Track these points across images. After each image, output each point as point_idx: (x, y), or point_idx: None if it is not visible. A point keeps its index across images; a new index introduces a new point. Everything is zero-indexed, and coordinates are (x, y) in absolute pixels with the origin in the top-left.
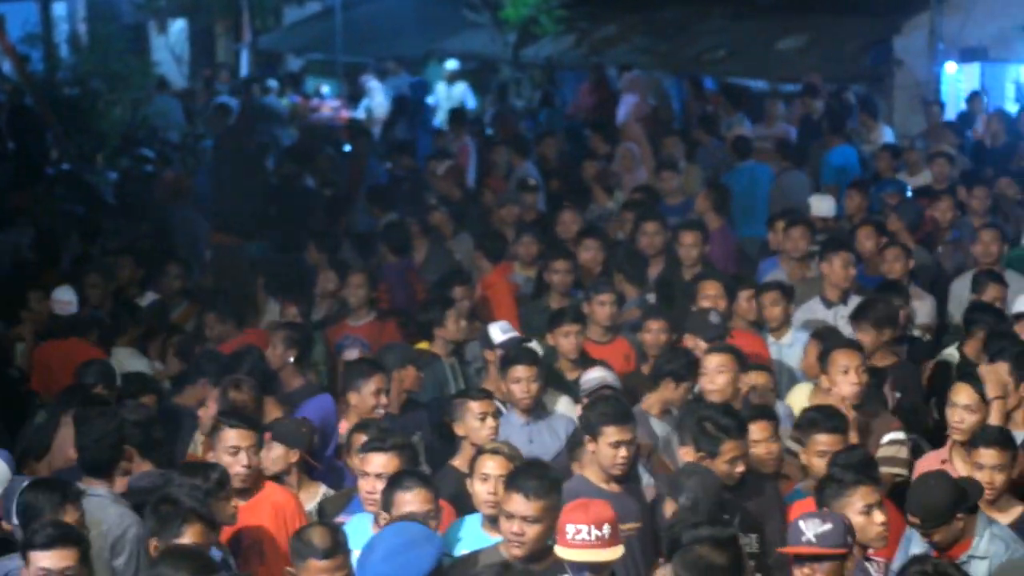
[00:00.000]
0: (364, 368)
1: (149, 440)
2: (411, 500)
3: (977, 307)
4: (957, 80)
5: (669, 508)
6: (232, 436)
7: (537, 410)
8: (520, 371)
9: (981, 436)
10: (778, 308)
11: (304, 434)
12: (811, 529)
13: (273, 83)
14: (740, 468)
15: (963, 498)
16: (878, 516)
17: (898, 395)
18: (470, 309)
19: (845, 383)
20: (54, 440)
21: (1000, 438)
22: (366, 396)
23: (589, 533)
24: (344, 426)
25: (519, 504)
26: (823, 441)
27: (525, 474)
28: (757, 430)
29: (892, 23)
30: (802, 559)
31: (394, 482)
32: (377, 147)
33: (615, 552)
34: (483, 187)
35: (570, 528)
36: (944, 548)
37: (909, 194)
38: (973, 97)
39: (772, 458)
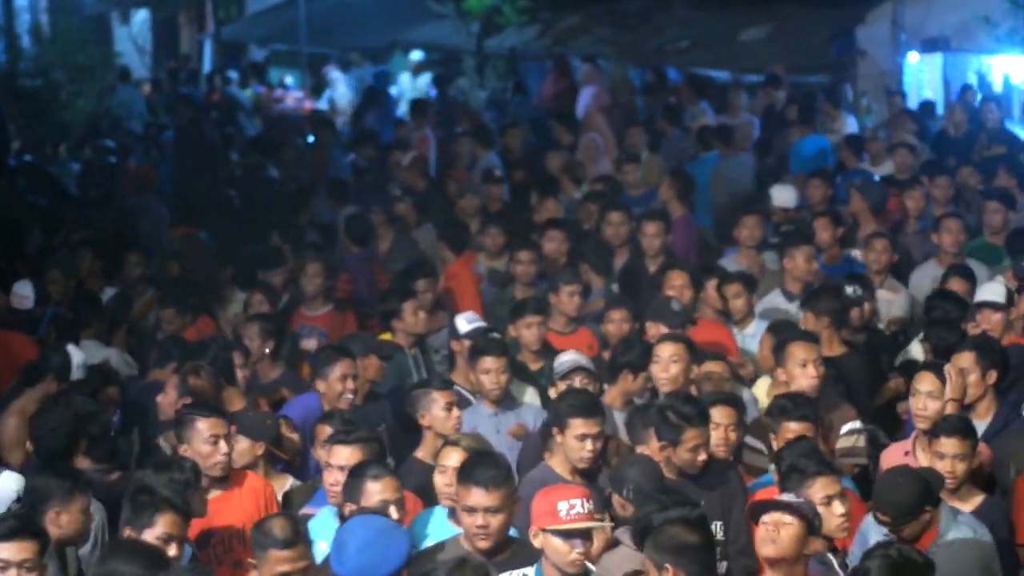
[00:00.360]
0: (331, 354)
1: (91, 435)
2: (380, 490)
3: (939, 295)
4: (919, 70)
5: (616, 502)
6: (208, 425)
7: (506, 401)
8: (489, 362)
9: (942, 426)
10: (741, 299)
11: (269, 427)
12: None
13: (233, 74)
14: (702, 456)
15: (929, 492)
16: (838, 507)
17: (841, 387)
18: (434, 300)
19: (803, 376)
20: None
21: (960, 427)
22: (333, 382)
23: (583, 506)
24: None
25: (480, 497)
26: (793, 429)
27: (480, 466)
28: (719, 415)
29: (855, 13)
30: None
31: (360, 472)
32: (341, 138)
33: (607, 522)
34: (447, 178)
35: (563, 505)
36: (912, 541)
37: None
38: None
39: (733, 444)
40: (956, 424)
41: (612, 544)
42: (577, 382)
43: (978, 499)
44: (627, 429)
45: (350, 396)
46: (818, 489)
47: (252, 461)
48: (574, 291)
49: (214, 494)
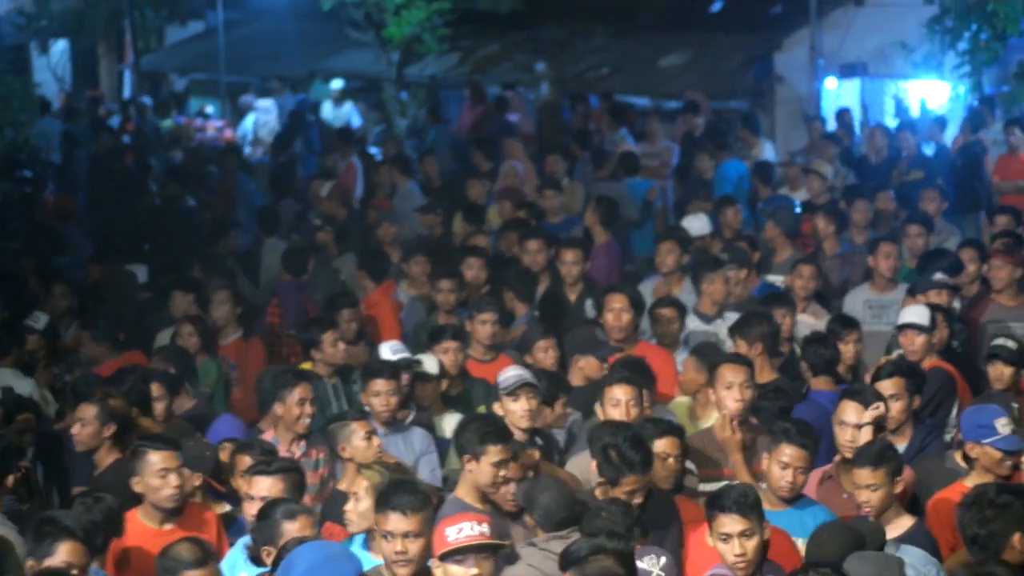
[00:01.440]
0: (288, 378)
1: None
2: (298, 528)
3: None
4: (837, 95)
5: (529, 521)
6: (160, 458)
7: (395, 423)
8: (379, 384)
9: (855, 457)
10: (675, 324)
11: (208, 458)
12: None
13: (148, 101)
14: (638, 500)
15: (860, 544)
16: (736, 546)
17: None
18: (356, 330)
19: (729, 398)
20: None
21: (873, 458)
22: (291, 406)
23: (472, 528)
24: (269, 435)
25: (398, 522)
26: (788, 453)
27: (397, 491)
28: (664, 446)
29: (773, 39)
30: None
31: (271, 513)
32: (252, 166)
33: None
34: (367, 206)
35: (450, 530)
36: None
37: (797, 209)
38: (842, 113)
39: (677, 474)
40: (867, 455)
41: (512, 560)
42: (524, 399)
43: (907, 523)
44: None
45: (307, 420)
46: (720, 524)
47: (190, 491)
48: (487, 319)
49: (168, 527)
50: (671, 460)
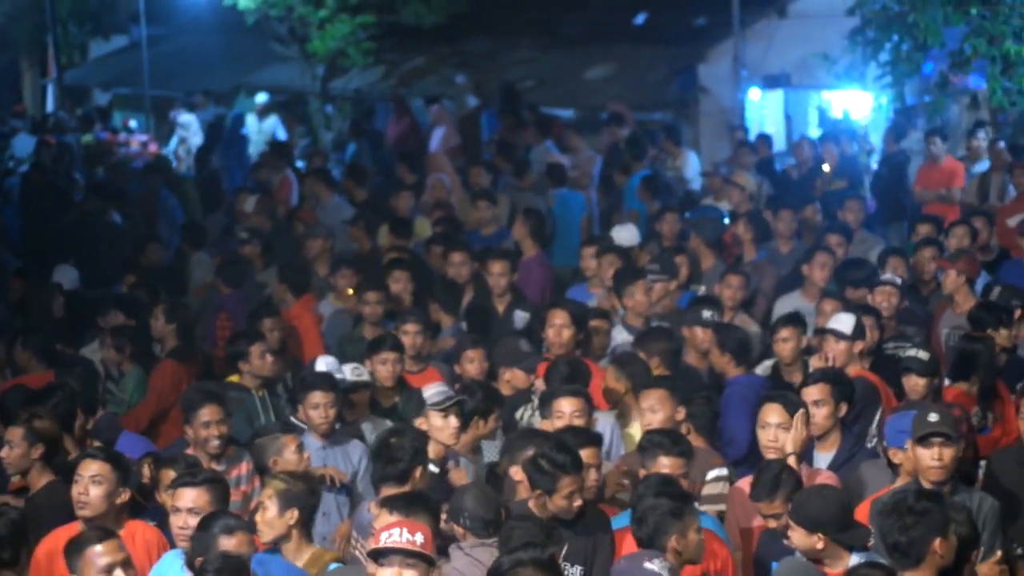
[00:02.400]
0: (197, 398)
1: None
2: (236, 544)
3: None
4: (761, 107)
5: (456, 531)
6: (94, 466)
7: (334, 435)
8: (318, 396)
9: (752, 491)
10: (605, 336)
11: (135, 474)
12: None
13: (63, 115)
14: (577, 502)
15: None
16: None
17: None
18: (280, 341)
19: (654, 420)
20: None
21: (767, 490)
22: (198, 428)
23: (401, 535)
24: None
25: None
26: (666, 464)
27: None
28: (584, 455)
29: (697, 51)
30: None
31: (210, 526)
32: (177, 180)
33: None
34: (294, 219)
35: (384, 533)
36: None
37: (726, 220)
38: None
39: (598, 484)
40: (763, 486)
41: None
42: (452, 415)
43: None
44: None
45: (216, 441)
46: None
47: (120, 507)
48: (410, 330)
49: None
50: (591, 471)
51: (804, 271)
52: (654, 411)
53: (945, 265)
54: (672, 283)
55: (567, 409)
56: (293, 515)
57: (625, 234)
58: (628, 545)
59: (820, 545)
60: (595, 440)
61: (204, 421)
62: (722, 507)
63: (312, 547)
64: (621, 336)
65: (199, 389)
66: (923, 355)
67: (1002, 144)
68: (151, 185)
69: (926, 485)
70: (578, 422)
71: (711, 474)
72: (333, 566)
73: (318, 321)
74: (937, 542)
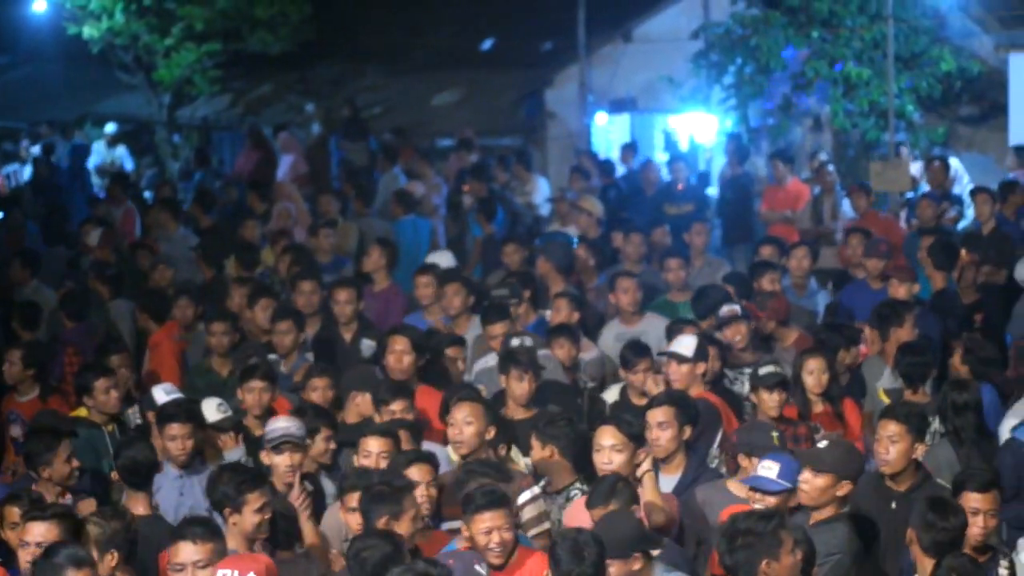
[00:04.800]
0: (47, 440)
1: None
2: None
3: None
4: (607, 131)
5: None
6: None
7: (192, 465)
8: (175, 428)
9: (588, 497)
10: (461, 363)
11: None
12: None
13: None
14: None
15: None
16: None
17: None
18: (129, 375)
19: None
20: None
21: (603, 497)
22: (59, 466)
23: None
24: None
25: (188, 551)
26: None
27: (190, 522)
28: (414, 473)
29: (544, 76)
30: None
31: (57, 554)
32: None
33: None
34: (140, 249)
35: (219, 572)
36: None
37: (575, 243)
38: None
39: (429, 500)
40: (599, 494)
41: None
42: (287, 454)
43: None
44: None
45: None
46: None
47: None
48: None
49: None
50: (422, 487)
51: (611, 299)
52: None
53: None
54: (521, 307)
55: (374, 449)
56: (113, 557)
57: (440, 259)
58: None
59: (637, 566)
60: (425, 459)
61: (65, 458)
62: (543, 527)
63: None
64: (492, 362)
65: (50, 428)
66: (775, 370)
67: (831, 167)
68: (16, 219)
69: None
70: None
71: (523, 496)
72: None
73: (178, 348)
74: (764, 564)
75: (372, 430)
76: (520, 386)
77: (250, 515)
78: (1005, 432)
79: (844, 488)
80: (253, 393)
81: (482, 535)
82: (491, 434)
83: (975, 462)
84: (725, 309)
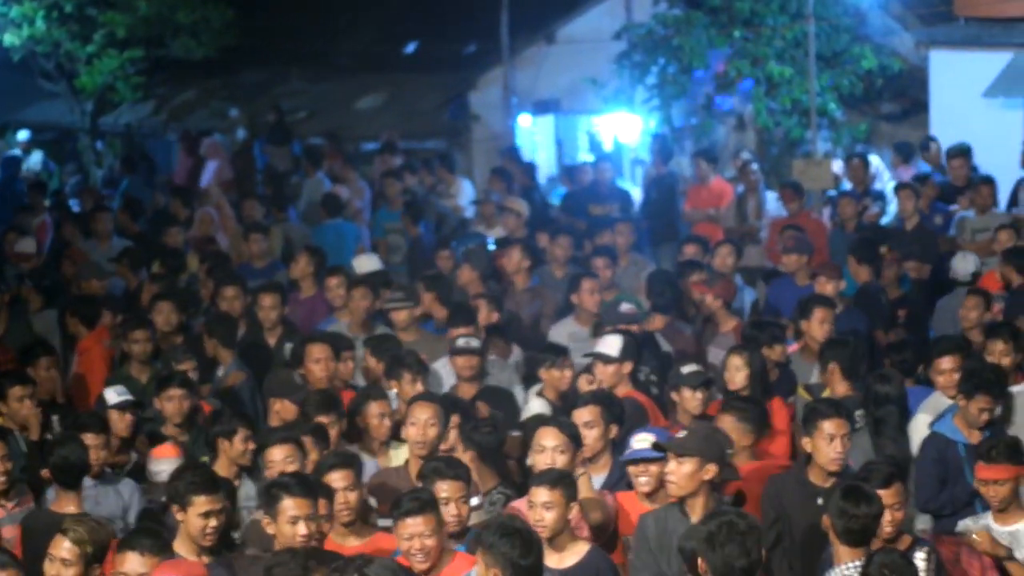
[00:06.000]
0: None
1: None
2: None
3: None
4: (532, 132)
5: None
6: None
7: (104, 475)
8: (89, 439)
9: (535, 475)
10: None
11: None
12: None
13: None
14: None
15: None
16: None
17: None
18: (57, 377)
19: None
20: None
21: (549, 477)
22: None
23: None
24: None
25: (134, 562)
26: (444, 489)
27: (140, 533)
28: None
29: (467, 79)
30: None
31: None
32: None
33: None
34: (64, 258)
35: None
36: None
37: (491, 246)
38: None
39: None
40: (548, 475)
41: None
42: None
43: (582, 549)
44: None
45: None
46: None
47: None
48: (188, 368)
49: None
50: (341, 493)
51: (573, 299)
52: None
53: (702, 290)
54: (416, 309)
55: (278, 457)
56: (95, 572)
57: (365, 262)
58: None
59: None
60: (348, 463)
61: None
62: None
63: None
64: None
65: None
66: (699, 369)
67: (754, 165)
68: None
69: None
70: (291, 468)
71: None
72: None
73: (108, 354)
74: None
75: (275, 438)
76: (414, 388)
77: (194, 517)
78: (921, 427)
79: (710, 472)
80: (172, 402)
81: (404, 540)
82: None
83: (892, 453)
84: (624, 307)
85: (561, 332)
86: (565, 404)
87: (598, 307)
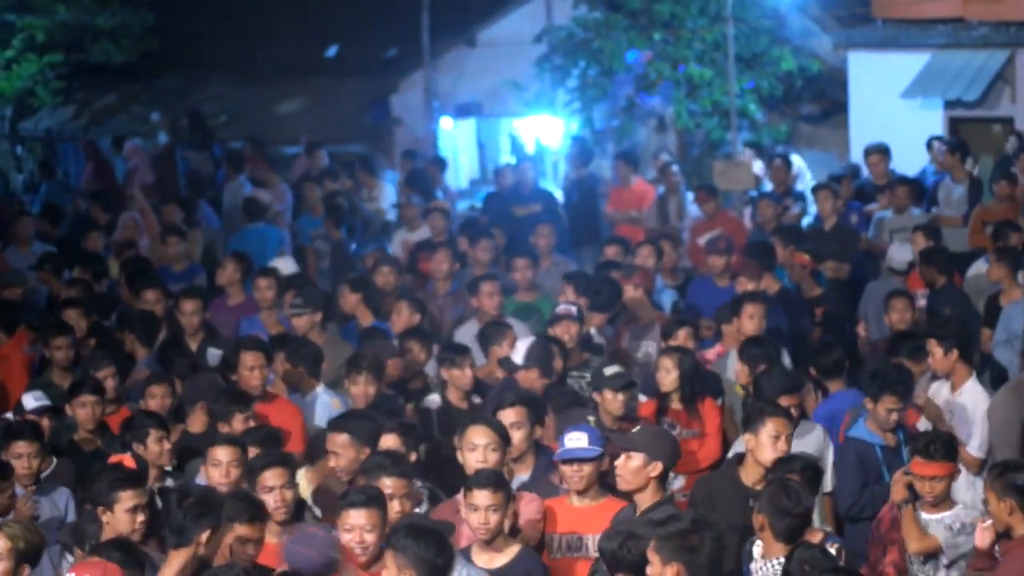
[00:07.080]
0: None
1: None
2: None
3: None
4: (454, 136)
5: None
6: None
7: (39, 483)
8: (22, 447)
9: (473, 478)
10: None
11: None
12: None
13: None
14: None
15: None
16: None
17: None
18: None
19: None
20: None
21: (492, 479)
22: None
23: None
24: None
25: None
26: (389, 485)
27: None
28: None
29: (389, 82)
30: None
31: None
32: None
33: None
34: None
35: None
36: None
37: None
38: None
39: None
40: (488, 477)
41: None
42: None
43: (513, 550)
44: None
45: None
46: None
47: None
48: (107, 375)
49: None
50: (276, 491)
51: (474, 303)
52: None
53: (622, 281)
54: (317, 315)
55: (223, 458)
56: (24, 571)
57: (282, 265)
58: None
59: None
60: (283, 461)
61: None
62: None
63: None
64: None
65: None
66: (621, 371)
67: (675, 167)
68: None
69: None
70: (235, 472)
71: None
72: None
73: (28, 360)
74: None
75: (222, 439)
76: (368, 389)
77: (122, 514)
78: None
79: (656, 469)
80: (85, 408)
81: (345, 532)
82: None
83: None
84: (561, 308)
85: (465, 334)
86: (470, 404)
87: (497, 309)
